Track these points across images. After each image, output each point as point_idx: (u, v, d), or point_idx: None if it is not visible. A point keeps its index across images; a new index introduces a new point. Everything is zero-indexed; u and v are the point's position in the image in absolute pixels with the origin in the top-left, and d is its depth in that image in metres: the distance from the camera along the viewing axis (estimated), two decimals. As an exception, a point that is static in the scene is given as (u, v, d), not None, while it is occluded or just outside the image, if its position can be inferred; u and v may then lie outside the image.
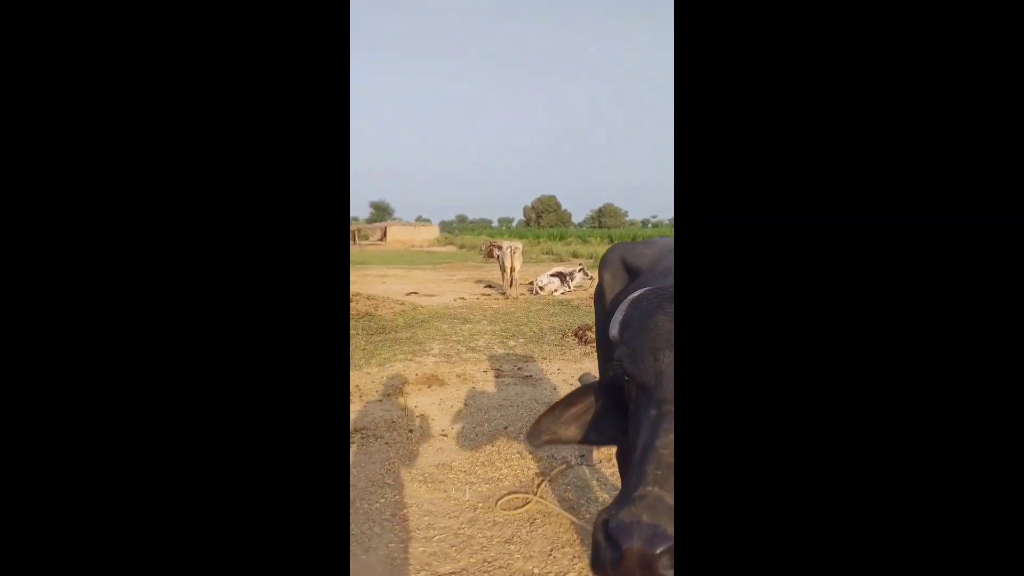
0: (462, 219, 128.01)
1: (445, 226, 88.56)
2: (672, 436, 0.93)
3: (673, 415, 0.94)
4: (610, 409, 1.24)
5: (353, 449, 4.40)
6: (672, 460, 0.89)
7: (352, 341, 8.14)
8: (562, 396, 1.34)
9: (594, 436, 1.27)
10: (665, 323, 1.07)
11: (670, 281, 1.28)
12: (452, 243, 46.44)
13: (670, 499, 0.85)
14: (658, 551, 0.81)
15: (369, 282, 16.07)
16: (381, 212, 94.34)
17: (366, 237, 53.33)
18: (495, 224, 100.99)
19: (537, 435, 1.29)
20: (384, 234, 51.09)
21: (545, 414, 1.31)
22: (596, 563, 0.89)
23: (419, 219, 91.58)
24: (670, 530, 0.83)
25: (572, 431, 1.28)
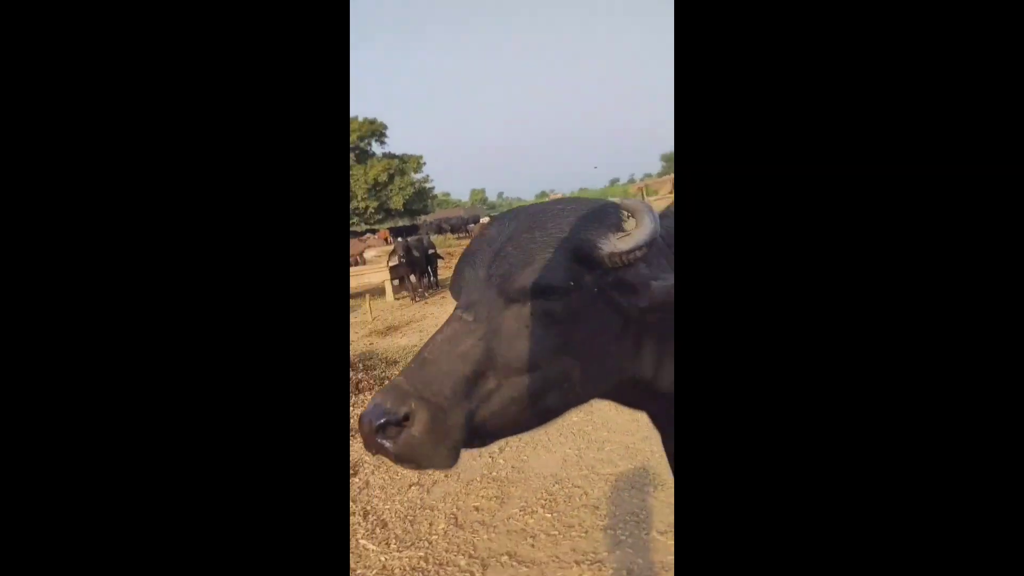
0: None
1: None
2: (442, 335, 1.07)
3: (458, 320, 1.10)
4: None
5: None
6: (427, 356, 1.05)
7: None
8: None
9: None
10: (473, 243, 1.19)
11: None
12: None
13: (407, 384, 1.01)
14: (375, 424, 0.96)
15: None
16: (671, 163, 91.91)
17: (655, 192, 53.17)
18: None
19: None
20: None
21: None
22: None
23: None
24: (392, 406, 0.97)
25: None
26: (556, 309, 1.10)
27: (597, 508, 3.09)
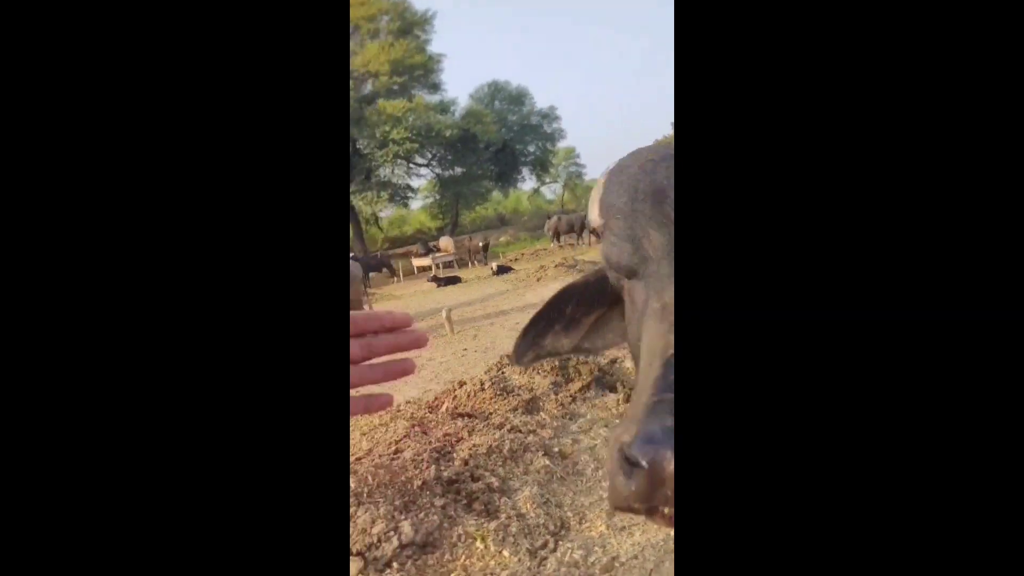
0: None
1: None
2: (670, 328, 0.79)
3: (671, 308, 0.82)
4: (606, 309, 1.14)
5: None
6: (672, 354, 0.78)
7: None
8: None
9: (590, 343, 1.17)
10: (652, 194, 0.92)
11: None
12: None
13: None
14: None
15: None
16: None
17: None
18: None
19: (523, 353, 1.19)
20: None
21: (528, 329, 1.20)
22: (620, 495, 0.69)
23: None
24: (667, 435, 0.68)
25: (564, 342, 1.18)
26: None
27: None
